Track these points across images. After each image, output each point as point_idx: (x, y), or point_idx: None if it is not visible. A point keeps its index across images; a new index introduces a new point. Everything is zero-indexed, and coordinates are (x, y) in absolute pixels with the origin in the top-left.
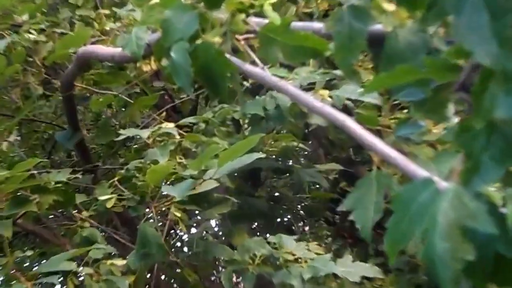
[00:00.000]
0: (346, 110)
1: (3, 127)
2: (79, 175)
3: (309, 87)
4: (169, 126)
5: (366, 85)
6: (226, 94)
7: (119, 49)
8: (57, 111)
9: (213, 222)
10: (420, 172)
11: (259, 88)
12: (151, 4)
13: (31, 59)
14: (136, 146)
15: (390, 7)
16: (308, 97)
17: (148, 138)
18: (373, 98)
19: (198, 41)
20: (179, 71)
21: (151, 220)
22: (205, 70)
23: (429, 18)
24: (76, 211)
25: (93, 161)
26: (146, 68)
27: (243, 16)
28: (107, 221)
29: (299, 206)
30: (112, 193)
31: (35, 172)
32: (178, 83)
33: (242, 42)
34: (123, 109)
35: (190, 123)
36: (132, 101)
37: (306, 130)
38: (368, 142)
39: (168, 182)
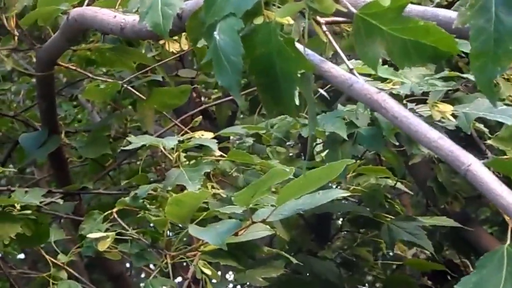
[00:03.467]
0: (470, 138)
1: None
2: (56, 199)
3: (420, 98)
4: (206, 136)
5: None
6: (292, 105)
7: (132, 17)
8: (25, 100)
9: None
10: None
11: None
12: None
13: None
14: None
15: None
16: (426, 128)
17: (172, 151)
18: None
19: (258, 20)
20: (224, 62)
21: (162, 277)
22: (264, 66)
23: None
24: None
25: (72, 181)
26: (172, 47)
27: None
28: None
29: (382, 277)
30: (107, 230)
31: None
32: (220, 79)
33: (325, 28)
34: (130, 107)
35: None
36: (142, 96)
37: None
38: (501, 200)
39: (195, 222)
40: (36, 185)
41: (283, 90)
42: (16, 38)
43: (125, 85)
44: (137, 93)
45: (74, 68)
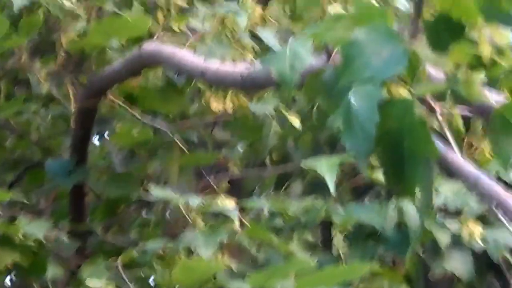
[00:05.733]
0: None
1: None
2: (61, 237)
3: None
4: (227, 203)
5: None
6: (413, 187)
7: (215, 64)
8: (52, 128)
9: None
10: None
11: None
12: (338, 14)
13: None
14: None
15: None
16: None
17: (190, 211)
18: None
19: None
20: (357, 128)
21: None
22: (392, 140)
23: None
24: None
25: (85, 217)
26: (216, 106)
27: (479, 76)
28: None
29: None
30: (107, 280)
31: None
32: (349, 144)
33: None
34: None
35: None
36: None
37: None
38: None
39: None
40: (39, 213)
41: (407, 170)
42: (58, 61)
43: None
44: (181, 146)
45: (121, 104)
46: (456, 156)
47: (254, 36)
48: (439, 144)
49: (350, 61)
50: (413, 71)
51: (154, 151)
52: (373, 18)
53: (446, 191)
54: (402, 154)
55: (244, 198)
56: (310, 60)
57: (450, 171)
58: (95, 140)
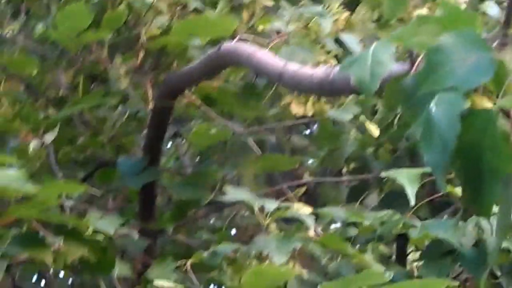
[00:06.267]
0: None
1: (41, 117)
2: (130, 233)
3: None
4: (303, 210)
5: None
6: (491, 205)
7: (295, 66)
8: (127, 126)
9: None
10: None
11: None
12: (423, 16)
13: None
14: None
15: None
16: None
17: (265, 216)
18: None
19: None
20: (437, 138)
21: None
22: (471, 154)
23: None
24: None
25: (155, 219)
26: (297, 110)
27: None
28: None
29: None
30: (176, 281)
31: (66, 204)
32: (427, 155)
33: None
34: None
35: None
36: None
37: None
38: None
39: None
40: (108, 212)
41: (485, 187)
42: (140, 58)
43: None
44: (256, 146)
45: (198, 104)
46: None
47: (340, 42)
48: None
49: (434, 67)
50: (499, 82)
51: (229, 154)
52: (460, 23)
53: None
54: (481, 169)
55: (319, 207)
56: (392, 66)
57: None
58: (170, 141)
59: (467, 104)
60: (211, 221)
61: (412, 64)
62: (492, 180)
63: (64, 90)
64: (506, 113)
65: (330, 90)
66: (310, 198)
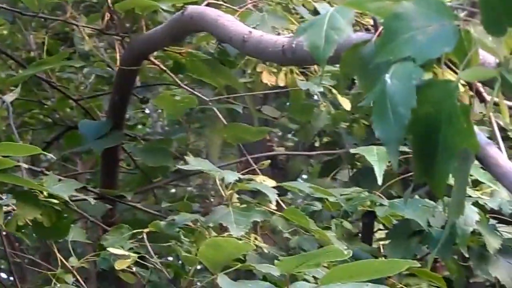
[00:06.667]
0: None
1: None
2: (88, 198)
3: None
4: (267, 182)
5: None
6: (443, 182)
7: (259, 33)
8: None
9: None
10: None
11: None
12: None
13: None
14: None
15: None
16: None
17: (227, 187)
18: None
19: (427, 76)
20: (389, 112)
21: None
22: (427, 128)
23: None
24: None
25: (115, 186)
26: (268, 79)
27: None
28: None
29: None
30: (130, 250)
31: (24, 166)
32: (378, 129)
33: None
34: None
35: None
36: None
37: None
38: None
39: (226, 271)
40: (74, 178)
41: (438, 162)
42: (105, 20)
43: (209, 104)
44: (220, 116)
45: (164, 69)
46: (495, 151)
47: (317, 13)
48: (480, 135)
49: (392, 35)
50: (463, 53)
51: (197, 123)
52: None
53: (502, 195)
54: (436, 145)
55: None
56: (350, 32)
57: (489, 169)
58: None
59: (426, 76)
60: (173, 190)
61: (376, 31)
62: (447, 155)
63: (35, 51)
64: (469, 86)
65: (292, 59)
66: (281, 174)
